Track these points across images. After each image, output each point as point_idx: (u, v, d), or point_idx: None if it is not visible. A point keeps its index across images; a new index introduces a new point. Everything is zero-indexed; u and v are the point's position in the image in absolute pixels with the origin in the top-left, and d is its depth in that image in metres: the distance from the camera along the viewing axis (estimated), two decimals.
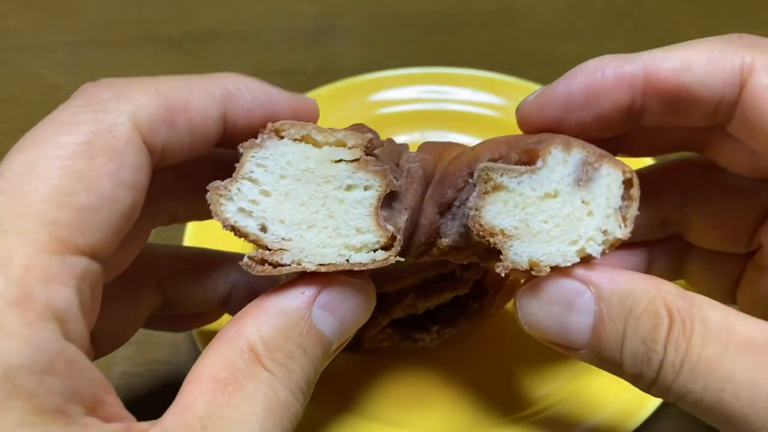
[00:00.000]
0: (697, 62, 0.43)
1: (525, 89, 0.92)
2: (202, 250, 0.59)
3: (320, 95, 0.92)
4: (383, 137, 0.86)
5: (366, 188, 0.44)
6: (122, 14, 1.26)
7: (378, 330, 0.67)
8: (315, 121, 0.48)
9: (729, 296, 0.55)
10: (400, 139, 0.93)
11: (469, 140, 0.94)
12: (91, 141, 0.36)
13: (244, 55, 1.19)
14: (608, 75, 0.44)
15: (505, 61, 1.11)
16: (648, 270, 0.62)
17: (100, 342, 0.49)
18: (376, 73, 0.96)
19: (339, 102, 0.93)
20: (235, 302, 0.58)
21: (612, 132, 0.47)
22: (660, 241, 0.57)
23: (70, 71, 1.13)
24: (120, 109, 0.38)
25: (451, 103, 0.94)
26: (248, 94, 0.44)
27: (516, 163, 0.45)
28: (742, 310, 0.55)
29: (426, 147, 0.53)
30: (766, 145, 0.44)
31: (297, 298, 0.42)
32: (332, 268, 0.43)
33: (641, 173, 0.53)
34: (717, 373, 0.37)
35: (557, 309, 0.43)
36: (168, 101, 0.40)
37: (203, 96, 0.42)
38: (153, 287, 0.54)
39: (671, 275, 0.59)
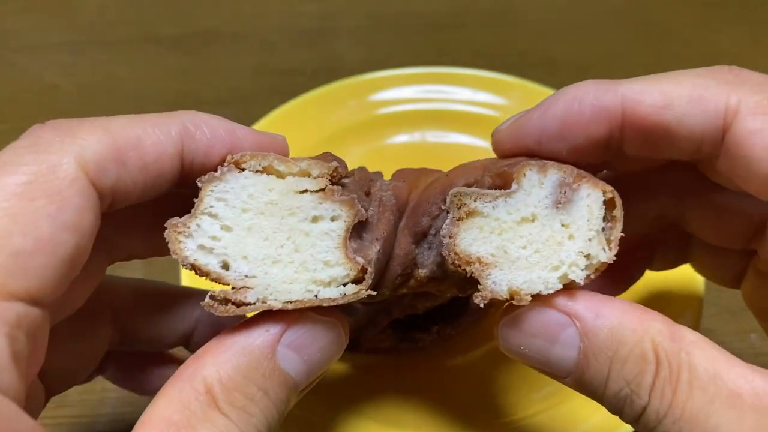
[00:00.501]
0: (679, 99, 0.41)
1: (525, 89, 0.92)
2: (167, 285, 0.58)
3: (320, 95, 0.92)
4: (383, 137, 0.85)
5: (333, 219, 0.42)
6: (122, 14, 1.25)
7: (378, 330, 0.67)
8: None
9: (735, 283, 0.54)
10: (400, 139, 0.93)
11: (470, 140, 0.92)
12: (31, 182, 0.35)
13: (244, 55, 1.18)
14: (584, 108, 0.43)
15: (505, 61, 1.11)
16: (652, 259, 0.60)
17: (55, 379, 0.49)
18: (376, 72, 0.95)
19: (339, 102, 0.93)
20: (198, 340, 0.55)
21: (590, 161, 0.45)
22: (662, 230, 0.56)
23: (70, 71, 1.12)
24: (64, 149, 0.37)
25: (451, 103, 0.93)
26: (208, 130, 0.42)
27: (490, 187, 0.43)
28: (747, 302, 0.53)
29: (400, 174, 0.51)
30: (754, 187, 0.41)
31: (261, 336, 0.39)
32: (300, 305, 0.40)
33: (635, 172, 0.50)
34: (701, 426, 0.35)
35: (540, 342, 0.41)
36: (117, 140, 0.39)
37: (157, 133, 0.40)
38: (110, 321, 0.52)
39: (676, 262, 0.58)
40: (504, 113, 0.90)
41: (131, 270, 0.78)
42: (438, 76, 0.95)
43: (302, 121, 0.90)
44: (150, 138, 0.40)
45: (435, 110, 0.93)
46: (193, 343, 0.56)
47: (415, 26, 1.21)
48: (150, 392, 0.58)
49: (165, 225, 0.40)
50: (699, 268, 0.58)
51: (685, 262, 0.58)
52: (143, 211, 0.44)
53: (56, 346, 0.39)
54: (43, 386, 0.46)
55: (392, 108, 0.93)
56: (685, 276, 0.69)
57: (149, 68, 1.15)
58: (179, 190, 0.43)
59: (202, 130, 0.42)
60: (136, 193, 0.40)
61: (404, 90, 0.94)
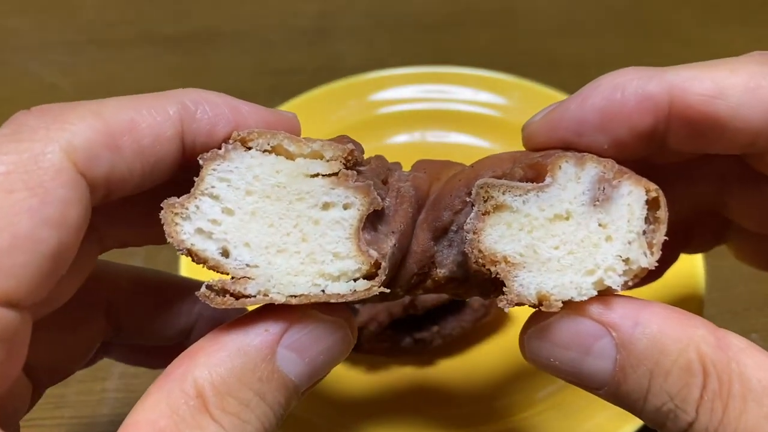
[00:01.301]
0: (733, 88, 0.37)
1: (525, 89, 0.91)
2: (167, 275, 0.54)
3: (320, 94, 0.91)
4: (383, 137, 0.84)
5: (346, 207, 0.38)
6: (121, 14, 1.25)
7: (378, 330, 0.67)
8: None
9: None
10: (400, 138, 0.92)
11: (471, 140, 0.91)
12: (10, 172, 0.32)
13: (243, 55, 1.17)
14: (627, 97, 0.39)
15: (505, 60, 1.10)
16: (688, 243, 0.56)
17: (42, 374, 0.46)
18: (376, 72, 0.94)
19: (339, 101, 0.92)
20: (198, 336, 0.51)
21: (631, 156, 0.41)
22: (699, 215, 0.53)
23: (69, 71, 1.11)
24: (50, 136, 0.33)
25: (451, 103, 0.92)
26: (209, 108, 0.39)
27: (521, 180, 0.40)
28: None
29: (420, 165, 0.46)
30: None
31: (259, 335, 0.36)
32: (304, 300, 0.37)
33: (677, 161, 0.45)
34: None
35: (572, 354, 0.38)
36: (110, 124, 0.35)
37: (153, 114, 0.37)
38: (103, 313, 0.49)
39: (711, 245, 0.56)
40: (504, 113, 0.90)
41: (131, 257, 0.77)
42: (438, 76, 0.94)
43: (302, 120, 0.90)
44: (146, 120, 0.37)
45: (435, 110, 0.92)
46: (192, 339, 0.52)
47: (415, 26, 1.21)
48: (161, 366, 0.56)
49: (161, 205, 0.37)
50: (737, 253, 0.56)
51: (719, 244, 0.56)
52: (139, 197, 0.41)
53: (42, 340, 0.37)
54: (30, 382, 0.45)
55: (392, 108, 0.92)
56: (686, 276, 0.69)
57: (148, 68, 1.14)
58: (181, 177, 0.40)
59: (203, 108, 0.39)
60: (133, 182, 0.37)
61: (404, 90, 0.93)
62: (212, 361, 0.35)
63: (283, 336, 0.37)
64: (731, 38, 1.15)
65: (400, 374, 0.68)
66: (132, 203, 0.41)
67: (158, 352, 0.54)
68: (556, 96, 0.85)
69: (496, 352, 0.70)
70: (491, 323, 0.71)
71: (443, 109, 0.93)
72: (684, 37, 1.16)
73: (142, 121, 0.37)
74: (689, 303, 0.66)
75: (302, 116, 0.92)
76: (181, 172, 0.39)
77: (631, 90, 0.39)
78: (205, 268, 0.38)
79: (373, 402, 0.66)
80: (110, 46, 1.17)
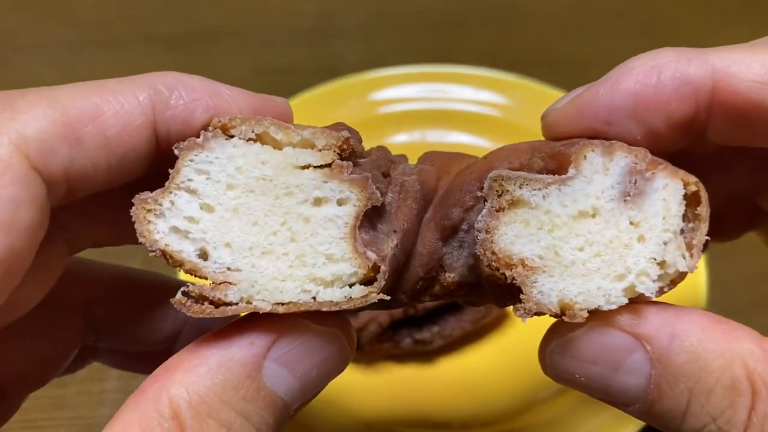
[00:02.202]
0: None
1: (527, 88, 0.90)
2: (153, 275, 0.50)
3: (319, 94, 0.90)
4: (383, 137, 0.83)
5: (340, 202, 0.34)
6: (120, 13, 1.24)
7: (379, 331, 0.67)
8: None
9: None
10: (400, 138, 0.91)
11: (471, 140, 0.88)
12: None
13: (243, 54, 1.15)
14: (664, 81, 0.35)
15: (507, 60, 1.09)
16: (717, 232, 0.52)
17: (12, 383, 0.43)
18: (376, 71, 0.92)
19: (339, 101, 0.92)
20: (185, 343, 0.45)
21: (664, 149, 0.37)
22: (730, 203, 0.48)
23: (68, 71, 1.09)
24: None
25: (452, 102, 0.91)
26: (185, 92, 0.34)
27: (541, 172, 0.35)
28: None
29: (428, 157, 0.41)
30: None
31: (243, 348, 0.32)
32: (293, 309, 0.33)
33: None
34: None
35: (600, 369, 0.34)
36: (68, 112, 0.31)
37: (120, 101, 0.33)
38: (80, 316, 0.45)
39: (740, 233, 0.53)
40: (506, 112, 0.90)
41: (130, 258, 0.76)
42: (438, 75, 0.93)
43: (301, 120, 0.89)
44: (111, 107, 0.33)
45: (435, 110, 0.91)
46: (178, 345, 0.48)
47: (415, 25, 1.20)
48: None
49: (132, 200, 0.33)
50: (767, 240, 0.52)
51: (748, 231, 0.53)
52: (112, 194, 0.37)
53: (10, 348, 0.35)
54: None
55: (392, 107, 0.91)
56: (687, 277, 0.69)
57: (148, 67, 1.13)
58: (160, 171, 0.35)
59: (178, 92, 0.34)
60: (99, 178, 0.33)
61: (404, 89, 0.91)
62: (190, 378, 0.31)
63: (270, 349, 0.33)
64: (733, 38, 1.15)
65: (401, 375, 0.68)
66: (104, 200, 0.37)
67: (151, 357, 0.48)
68: (558, 95, 0.85)
69: (497, 353, 0.69)
70: (492, 323, 0.71)
71: (444, 108, 0.91)
72: (686, 37, 1.16)
73: (107, 109, 0.33)
74: (691, 304, 0.66)
75: (302, 116, 0.91)
76: (158, 166, 0.35)
77: (669, 73, 0.35)
78: (183, 272, 0.34)
79: (374, 403, 0.65)
80: (109, 45, 1.16)
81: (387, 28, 1.19)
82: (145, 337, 0.48)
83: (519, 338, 0.69)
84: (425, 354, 0.69)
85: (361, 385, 0.66)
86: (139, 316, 0.48)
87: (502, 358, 0.69)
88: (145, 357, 0.49)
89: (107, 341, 0.48)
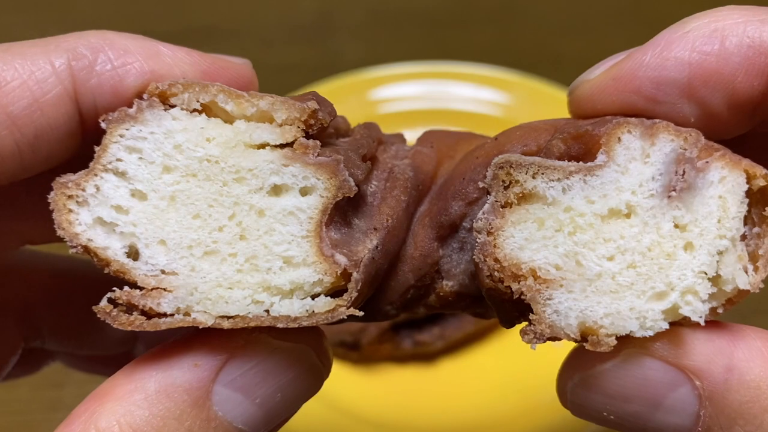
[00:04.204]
0: None
1: (529, 86, 0.88)
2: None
3: (319, 92, 0.91)
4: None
5: (304, 192, 0.28)
6: (117, 10, 1.23)
7: (379, 333, 0.67)
8: None
9: None
10: None
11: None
12: None
13: (241, 52, 1.17)
14: (731, 49, 0.27)
15: (507, 58, 1.08)
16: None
17: None
18: (376, 69, 0.91)
19: (338, 99, 0.92)
20: (148, 347, 0.39)
21: (720, 135, 0.30)
22: None
23: None
24: None
25: (452, 102, 0.89)
26: (114, 55, 0.28)
27: (560, 158, 0.28)
28: None
29: (428, 137, 0.34)
30: None
31: (187, 371, 0.27)
32: (241, 324, 0.27)
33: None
34: None
35: (634, 407, 0.28)
36: None
37: (29, 68, 0.27)
38: (17, 319, 0.40)
39: None
40: (507, 112, 0.89)
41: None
42: (439, 73, 0.91)
43: None
44: (17, 76, 0.27)
45: (436, 109, 0.89)
46: (139, 350, 0.43)
47: (416, 23, 1.18)
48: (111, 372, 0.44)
49: (52, 184, 0.28)
50: None
51: None
52: (38, 182, 0.31)
53: None
54: None
55: (392, 106, 0.89)
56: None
57: None
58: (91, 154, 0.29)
59: (105, 55, 0.28)
60: (8, 164, 0.28)
61: (404, 87, 0.90)
62: (123, 407, 0.26)
63: (220, 371, 0.27)
64: None
65: (401, 377, 0.66)
66: (32, 191, 0.31)
67: (113, 360, 0.43)
68: (560, 95, 0.84)
69: (499, 355, 0.69)
70: (494, 324, 0.70)
71: (444, 108, 0.89)
72: None
73: (11, 78, 0.27)
74: None
75: None
76: (90, 148, 0.29)
77: (736, 39, 0.28)
78: (110, 273, 0.28)
79: (374, 407, 0.64)
80: None
81: (387, 25, 1.19)
82: (97, 341, 0.42)
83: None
84: (426, 356, 0.68)
85: (361, 388, 0.66)
86: (87, 318, 0.39)
87: (504, 360, 0.68)
88: (107, 360, 0.44)
89: (54, 345, 0.42)
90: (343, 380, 0.65)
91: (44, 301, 0.40)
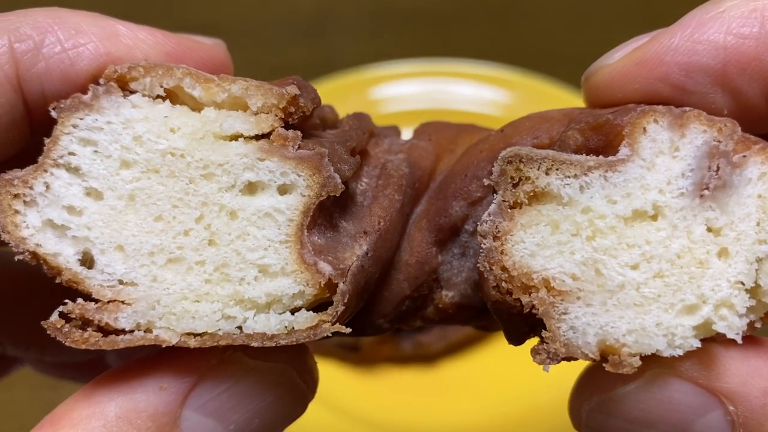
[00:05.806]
0: None
1: (530, 84, 0.87)
2: None
3: (318, 92, 0.91)
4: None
5: (282, 190, 0.25)
6: (113, 8, 1.24)
7: (379, 334, 0.66)
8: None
9: None
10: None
11: None
12: None
13: (239, 51, 1.16)
14: None
15: (508, 57, 1.08)
16: None
17: None
18: (376, 67, 0.89)
19: (338, 99, 0.91)
20: (118, 354, 0.37)
21: (759, 129, 0.27)
22: None
23: None
24: None
25: (453, 102, 0.88)
26: (65, 36, 0.26)
27: (579, 151, 0.25)
28: None
29: (425, 130, 0.32)
30: None
31: (151, 394, 0.24)
32: (210, 342, 0.24)
33: None
34: None
35: None
36: None
37: None
38: None
39: None
40: (508, 112, 0.89)
41: None
42: (439, 72, 0.90)
43: None
44: None
45: (436, 109, 0.87)
46: (111, 356, 0.39)
47: (416, 21, 1.18)
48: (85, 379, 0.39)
49: None
50: None
51: None
52: None
53: None
54: None
55: (392, 106, 0.88)
56: None
57: None
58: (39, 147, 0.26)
59: (53, 36, 0.25)
60: None
61: (405, 86, 0.89)
62: None
63: (189, 395, 0.25)
64: None
65: (402, 379, 0.67)
66: None
67: (84, 366, 0.40)
68: (562, 93, 0.84)
69: (500, 356, 0.67)
70: (495, 324, 0.70)
71: (445, 108, 0.88)
72: None
73: None
74: None
75: None
76: (38, 140, 0.26)
77: None
78: (62, 283, 0.25)
79: (374, 409, 0.64)
80: None
81: (387, 24, 1.18)
82: (62, 348, 0.38)
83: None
84: (426, 357, 0.66)
85: (361, 390, 0.64)
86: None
87: (505, 362, 0.66)
88: (79, 366, 0.40)
89: (14, 351, 0.39)
90: (343, 382, 0.65)
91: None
